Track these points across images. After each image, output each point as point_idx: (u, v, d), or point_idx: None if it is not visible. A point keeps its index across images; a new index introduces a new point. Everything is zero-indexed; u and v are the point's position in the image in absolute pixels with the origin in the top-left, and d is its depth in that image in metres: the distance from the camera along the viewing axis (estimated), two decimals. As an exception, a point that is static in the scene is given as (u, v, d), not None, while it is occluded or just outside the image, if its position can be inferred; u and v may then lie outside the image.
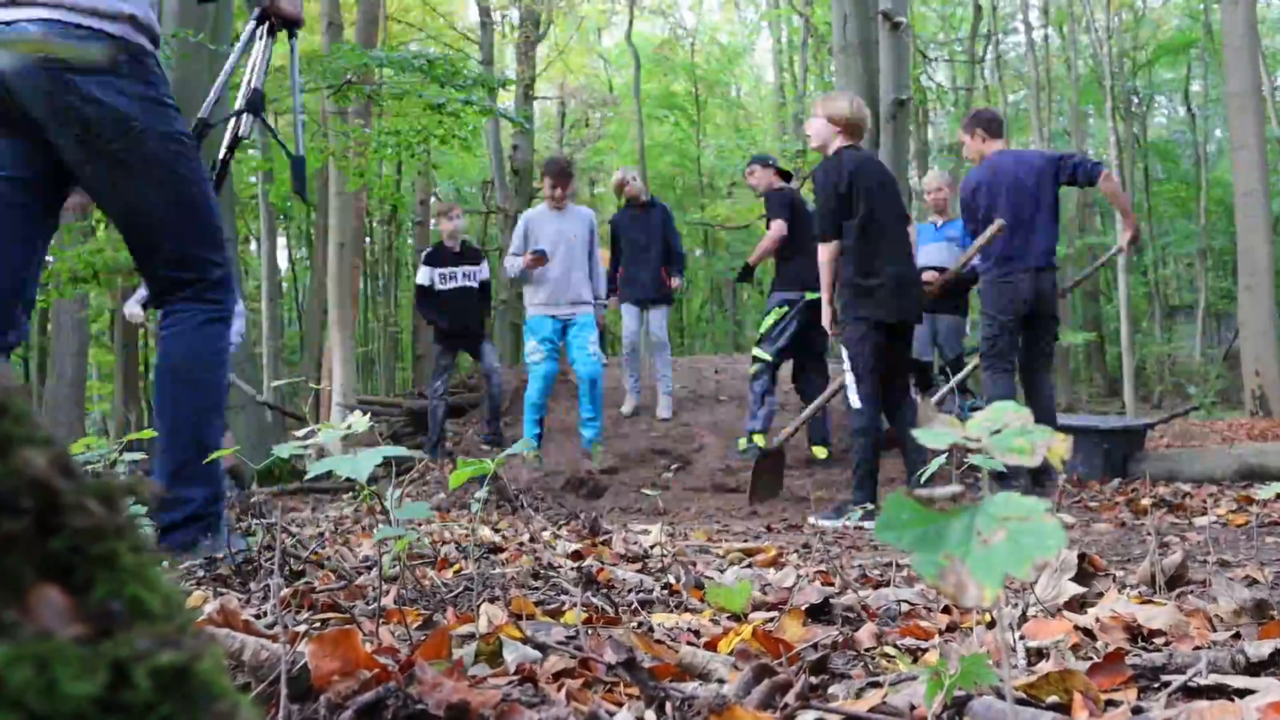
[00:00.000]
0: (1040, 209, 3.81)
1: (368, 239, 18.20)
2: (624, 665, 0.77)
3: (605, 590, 1.34)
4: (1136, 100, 20.82)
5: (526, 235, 4.76)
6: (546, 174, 4.88)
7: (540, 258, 4.65)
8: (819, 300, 3.62)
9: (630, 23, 17.74)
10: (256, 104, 2.03)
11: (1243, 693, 0.71)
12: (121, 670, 0.25)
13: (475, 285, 5.46)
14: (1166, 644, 0.91)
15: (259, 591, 1.30)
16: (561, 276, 4.71)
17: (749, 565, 1.70)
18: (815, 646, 0.94)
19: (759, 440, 4.54)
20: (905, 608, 1.18)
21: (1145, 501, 2.96)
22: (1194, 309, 18.69)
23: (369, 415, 1.28)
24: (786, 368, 4.87)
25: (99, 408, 18.06)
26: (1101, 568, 1.23)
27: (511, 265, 4.75)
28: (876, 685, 0.80)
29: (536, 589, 1.37)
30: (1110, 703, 0.72)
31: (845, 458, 4.34)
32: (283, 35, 2.01)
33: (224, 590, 1.31)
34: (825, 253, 3.41)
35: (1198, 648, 0.85)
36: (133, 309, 4.80)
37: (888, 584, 1.41)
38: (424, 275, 5.46)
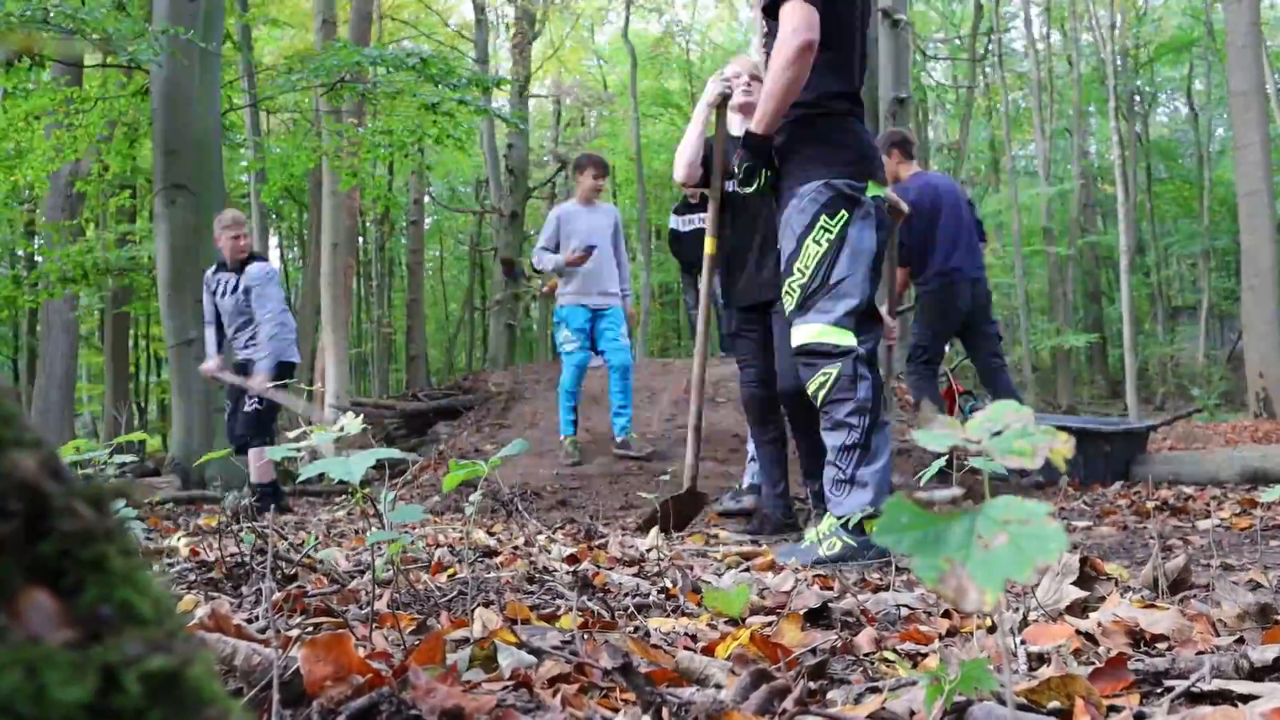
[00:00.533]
0: (970, 226, 4.12)
1: (361, 239, 18.16)
2: (620, 670, 0.76)
3: (601, 595, 1.33)
4: (1139, 99, 20.74)
5: (559, 229, 4.77)
6: (590, 166, 4.86)
7: (588, 254, 4.69)
8: None
9: (626, 20, 17.69)
10: None
11: (1246, 698, 0.70)
12: (111, 675, 0.24)
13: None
14: (1169, 649, 0.91)
15: (251, 596, 1.29)
16: (594, 269, 4.74)
17: (747, 569, 1.69)
18: (814, 651, 0.93)
19: None
20: (905, 612, 1.18)
21: (1148, 504, 2.95)
22: (1197, 310, 18.67)
23: (362, 417, 1.27)
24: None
25: (88, 409, 17.96)
26: (1103, 571, 1.23)
27: (545, 259, 4.71)
28: (876, 691, 0.80)
29: (532, 593, 1.36)
30: (1112, 708, 0.72)
31: None
32: None
33: (215, 594, 1.30)
34: None
35: (1201, 652, 0.85)
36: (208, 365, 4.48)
37: (887, 588, 1.41)
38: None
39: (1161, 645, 0.92)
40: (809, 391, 2.15)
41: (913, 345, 4.15)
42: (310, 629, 1.04)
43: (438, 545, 2.04)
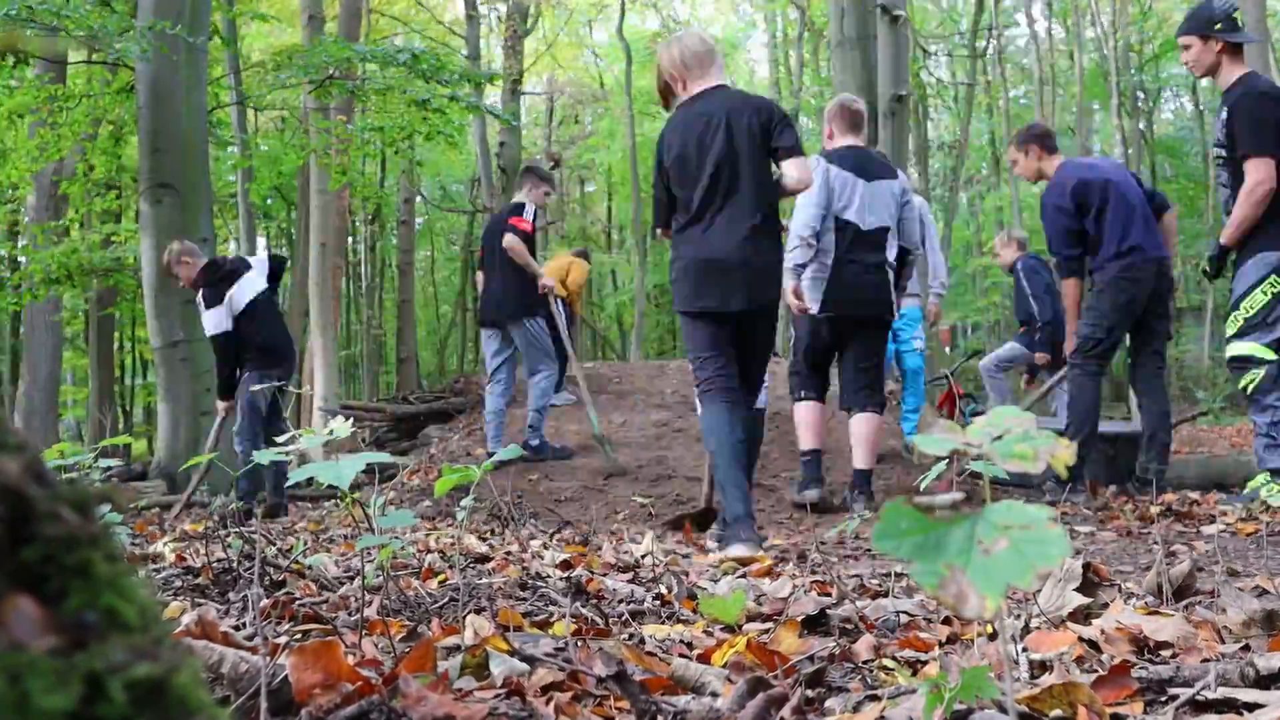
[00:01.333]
0: (1143, 201, 3.60)
1: (351, 239, 18.07)
2: (614, 678, 0.75)
3: (595, 601, 1.32)
4: (1143, 95, 20.40)
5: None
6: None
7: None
8: None
9: (621, 16, 17.64)
10: None
11: (1252, 706, 0.70)
12: (96, 683, 0.24)
13: None
14: (1173, 656, 0.91)
15: (238, 602, 1.27)
16: None
17: (743, 575, 1.68)
18: (811, 659, 0.93)
19: None
20: (904, 619, 1.17)
21: (1152, 509, 2.95)
22: (1202, 311, 18.56)
23: (351, 420, 1.26)
24: None
25: (73, 412, 17.78)
26: (1106, 577, 1.23)
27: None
28: (875, 699, 0.79)
29: (524, 599, 1.35)
30: (1115, 717, 0.71)
31: None
32: None
33: (202, 601, 1.28)
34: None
35: (1206, 660, 0.85)
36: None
37: (886, 594, 1.40)
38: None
39: (1166, 653, 0.92)
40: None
41: (1083, 337, 3.54)
42: (299, 636, 1.02)
43: (428, 551, 2.02)
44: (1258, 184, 3.03)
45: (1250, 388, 3.03)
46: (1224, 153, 3.21)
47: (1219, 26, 3.17)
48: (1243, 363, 3.05)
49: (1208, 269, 3.32)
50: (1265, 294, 3.03)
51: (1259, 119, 3.06)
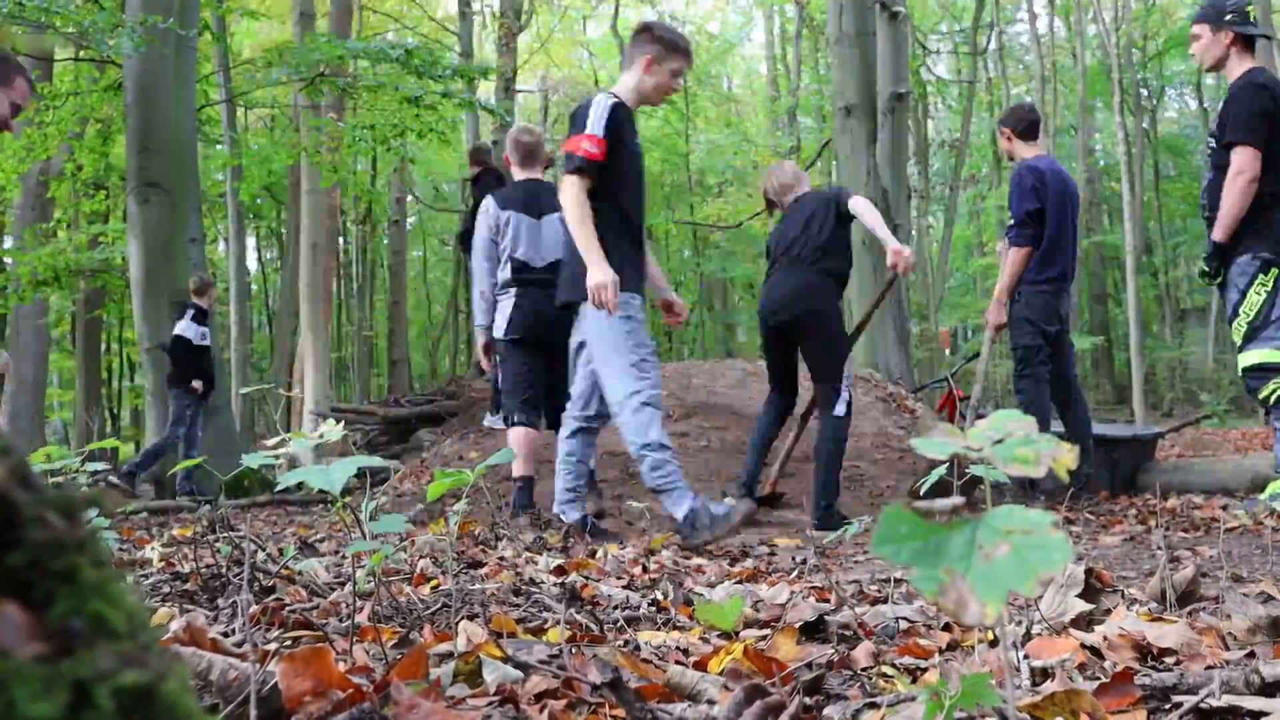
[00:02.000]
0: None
1: (341, 239, 18.00)
2: (609, 685, 0.74)
3: (590, 607, 1.31)
4: (1146, 93, 20.24)
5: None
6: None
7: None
8: None
9: (616, 12, 17.60)
10: None
11: (1257, 714, 0.70)
12: (83, 690, 0.24)
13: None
14: (1177, 663, 0.90)
15: (227, 608, 1.26)
16: None
17: (740, 581, 1.67)
18: (810, 666, 0.92)
19: None
20: (904, 625, 1.16)
21: (1155, 514, 2.94)
22: (1206, 312, 18.51)
23: (342, 423, 1.25)
24: None
25: (59, 415, 17.62)
26: (1109, 583, 1.22)
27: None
28: (874, 706, 0.78)
29: (518, 605, 1.34)
30: (1118, 724, 0.71)
31: None
32: None
33: (191, 607, 1.26)
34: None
35: (1210, 667, 0.84)
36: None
37: (885, 600, 1.39)
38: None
39: (1169, 659, 0.92)
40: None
41: (1024, 348, 3.76)
42: (289, 642, 1.01)
43: (421, 556, 2.00)
44: (1238, 173, 3.02)
45: (1273, 398, 2.97)
46: (1214, 143, 3.21)
47: (1230, 17, 3.14)
48: (1259, 372, 3.02)
49: (1206, 269, 3.24)
50: (1259, 293, 3.03)
51: (1250, 109, 3.03)
